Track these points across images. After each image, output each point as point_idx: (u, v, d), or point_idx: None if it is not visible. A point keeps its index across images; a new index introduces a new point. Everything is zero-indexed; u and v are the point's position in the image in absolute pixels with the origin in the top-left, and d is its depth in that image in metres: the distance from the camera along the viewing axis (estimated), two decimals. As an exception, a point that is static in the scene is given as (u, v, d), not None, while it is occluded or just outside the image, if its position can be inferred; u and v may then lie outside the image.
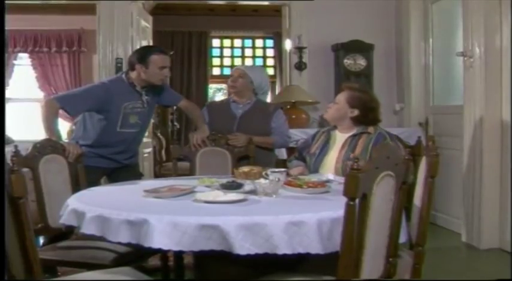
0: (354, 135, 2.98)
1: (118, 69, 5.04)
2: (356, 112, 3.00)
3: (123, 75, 3.44)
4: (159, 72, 3.33)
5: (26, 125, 6.87)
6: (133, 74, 3.37)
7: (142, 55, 3.35)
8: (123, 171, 3.45)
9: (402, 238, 2.08)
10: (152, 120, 6.08)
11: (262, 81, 3.74)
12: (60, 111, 3.31)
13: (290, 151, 4.28)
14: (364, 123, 3.01)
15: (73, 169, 2.97)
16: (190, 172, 3.48)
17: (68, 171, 2.93)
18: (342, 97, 3.05)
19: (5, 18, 2.43)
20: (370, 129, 2.98)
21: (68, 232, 2.78)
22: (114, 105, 3.30)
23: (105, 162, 3.41)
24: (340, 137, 3.04)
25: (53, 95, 6.23)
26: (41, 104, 6.40)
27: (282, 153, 4.51)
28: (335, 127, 3.11)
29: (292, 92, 5.39)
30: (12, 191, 1.65)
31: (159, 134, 7.16)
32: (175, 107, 5.46)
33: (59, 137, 3.18)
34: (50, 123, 3.18)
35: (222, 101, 4.04)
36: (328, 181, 2.62)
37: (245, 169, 2.63)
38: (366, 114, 3.01)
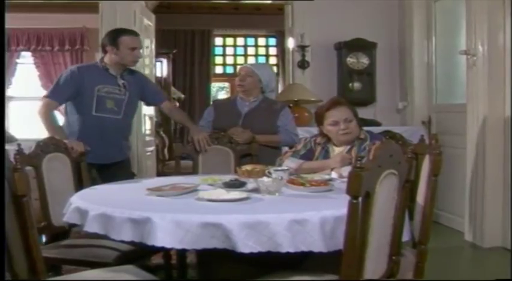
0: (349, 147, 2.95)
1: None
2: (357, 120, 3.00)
3: (98, 61, 3.48)
4: (130, 53, 3.36)
5: (29, 124, 6.86)
6: (106, 58, 3.41)
7: (112, 37, 3.39)
8: (113, 169, 3.41)
9: (405, 237, 2.08)
10: (155, 119, 6.10)
11: (270, 79, 3.70)
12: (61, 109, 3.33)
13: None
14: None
15: (76, 167, 2.97)
16: (193, 170, 3.48)
17: (71, 169, 2.93)
18: (349, 113, 2.95)
19: (5, 17, 2.42)
20: (362, 135, 2.96)
21: (71, 230, 2.79)
22: (86, 88, 3.32)
23: (93, 157, 3.27)
24: (338, 151, 2.97)
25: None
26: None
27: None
28: (329, 140, 3.02)
29: (295, 91, 5.38)
30: (16, 189, 1.65)
31: (161, 133, 7.17)
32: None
33: (63, 133, 3.18)
34: (50, 122, 3.19)
35: (228, 99, 4.01)
36: (331, 180, 2.61)
37: (248, 167, 2.62)
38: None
